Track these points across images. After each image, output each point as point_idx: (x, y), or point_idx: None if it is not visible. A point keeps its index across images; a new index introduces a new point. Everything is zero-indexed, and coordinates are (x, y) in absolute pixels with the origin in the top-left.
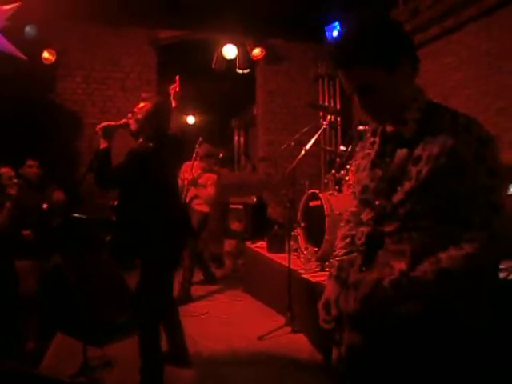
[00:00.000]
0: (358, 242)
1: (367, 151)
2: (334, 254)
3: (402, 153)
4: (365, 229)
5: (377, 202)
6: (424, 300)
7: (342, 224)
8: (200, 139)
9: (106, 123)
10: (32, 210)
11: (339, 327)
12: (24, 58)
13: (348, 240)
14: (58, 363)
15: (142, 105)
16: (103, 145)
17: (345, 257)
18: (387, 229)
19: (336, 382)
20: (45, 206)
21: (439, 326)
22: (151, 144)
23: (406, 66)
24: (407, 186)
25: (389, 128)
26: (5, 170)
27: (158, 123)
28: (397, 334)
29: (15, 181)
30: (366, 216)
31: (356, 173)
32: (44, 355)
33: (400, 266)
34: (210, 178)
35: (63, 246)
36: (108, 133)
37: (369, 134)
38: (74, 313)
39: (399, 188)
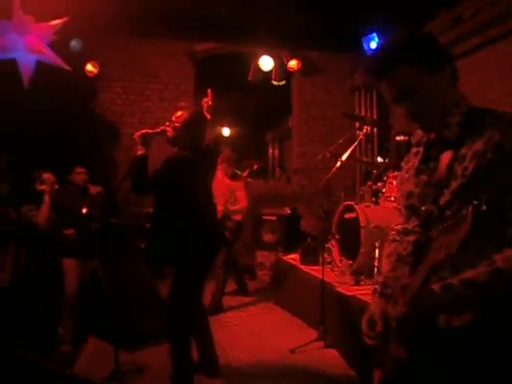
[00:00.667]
0: (405, 253)
1: (411, 163)
2: (378, 270)
3: (446, 155)
4: (411, 237)
5: (423, 208)
6: (476, 305)
7: (386, 243)
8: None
9: (143, 130)
10: (79, 213)
11: (384, 346)
12: (70, 69)
13: (393, 258)
14: (90, 367)
15: (179, 113)
16: (140, 151)
17: (390, 273)
18: (435, 234)
19: None
20: (84, 210)
21: (492, 339)
22: (186, 152)
23: (448, 71)
24: (453, 185)
25: (432, 135)
26: (47, 175)
27: (194, 133)
28: (445, 346)
29: (56, 186)
30: (411, 224)
31: (400, 186)
32: (77, 358)
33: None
34: (237, 189)
35: (100, 251)
36: (145, 140)
37: (413, 146)
38: (107, 317)
39: (445, 190)
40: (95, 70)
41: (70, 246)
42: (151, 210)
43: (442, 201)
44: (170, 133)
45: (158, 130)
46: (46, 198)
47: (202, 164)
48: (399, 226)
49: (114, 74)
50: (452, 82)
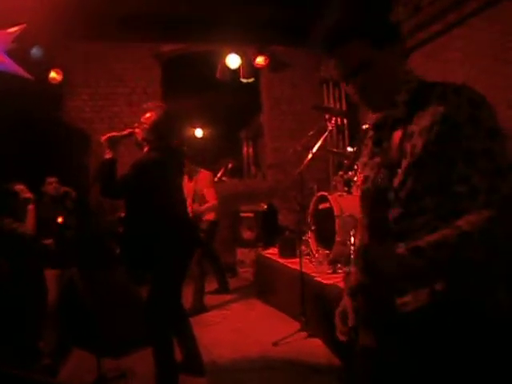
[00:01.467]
0: (366, 237)
1: (368, 147)
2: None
3: (397, 134)
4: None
5: None
6: (448, 271)
7: (358, 230)
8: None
9: (110, 134)
10: (54, 222)
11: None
12: (31, 78)
13: None
14: (73, 376)
15: (148, 115)
16: (108, 155)
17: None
18: (391, 215)
19: None
20: (60, 219)
21: (448, 320)
22: (155, 154)
23: (395, 45)
24: (404, 163)
25: (381, 115)
26: (19, 187)
27: (163, 133)
28: (409, 328)
29: (29, 195)
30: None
31: (361, 172)
32: (59, 371)
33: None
34: (204, 187)
35: (76, 260)
36: (112, 143)
37: (369, 130)
38: (87, 325)
39: (399, 171)
40: (59, 77)
41: (49, 256)
42: (123, 215)
43: (396, 182)
44: (139, 135)
45: (125, 132)
46: (31, 206)
47: (171, 165)
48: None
49: (78, 80)
50: (401, 55)
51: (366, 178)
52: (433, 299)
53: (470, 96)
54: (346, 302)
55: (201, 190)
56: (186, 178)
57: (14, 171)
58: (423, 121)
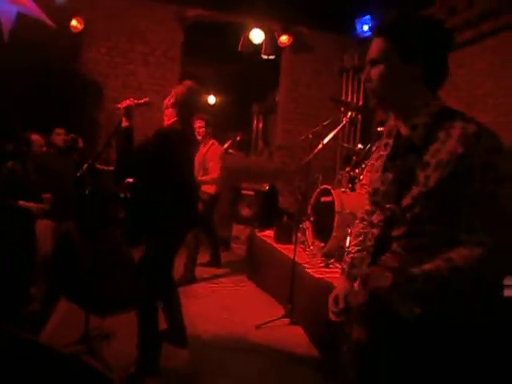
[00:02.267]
0: (369, 243)
1: (381, 152)
2: (348, 250)
3: (411, 157)
4: (375, 231)
5: (387, 206)
6: (433, 299)
7: (356, 221)
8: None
9: (127, 102)
10: (60, 174)
11: (348, 323)
12: (53, 25)
13: (361, 238)
14: (59, 330)
15: (178, 89)
16: (125, 123)
17: (357, 254)
18: (395, 233)
19: (334, 378)
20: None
21: (436, 333)
22: (180, 127)
23: (419, 70)
24: (415, 191)
25: (403, 131)
26: (35, 137)
27: (185, 109)
28: (399, 332)
29: (44, 149)
30: (376, 218)
31: (371, 173)
32: (48, 319)
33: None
34: (211, 159)
35: (76, 215)
36: (129, 111)
37: (384, 135)
38: (79, 280)
39: (407, 192)
40: (80, 27)
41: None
42: (130, 180)
43: (404, 203)
44: (165, 106)
45: (142, 101)
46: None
47: (191, 140)
48: (367, 207)
49: (99, 32)
50: (424, 80)
51: (375, 191)
52: (422, 312)
53: (487, 142)
54: (340, 289)
55: (207, 162)
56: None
57: (24, 119)
58: (440, 155)
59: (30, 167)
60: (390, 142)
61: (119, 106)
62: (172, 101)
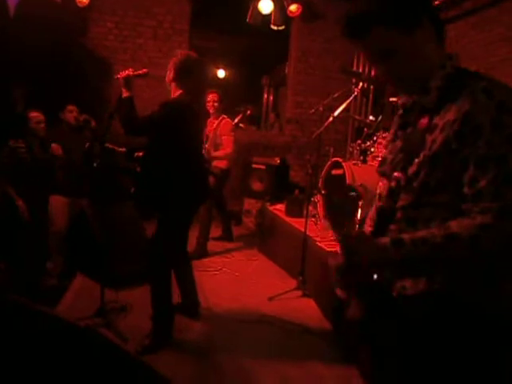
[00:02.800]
0: (374, 217)
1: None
2: (359, 222)
3: (423, 123)
4: (380, 203)
5: (395, 174)
6: (425, 268)
7: (373, 203)
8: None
9: (125, 73)
10: (69, 150)
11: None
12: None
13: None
14: (75, 304)
15: (178, 57)
16: (125, 94)
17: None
18: (400, 203)
19: (345, 350)
20: (87, 144)
21: (444, 310)
22: (187, 98)
23: (427, 28)
24: (421, 156)
25: (412, 99)
26: (34, 114)
27: (191, 76)
28: (399, 315)
29: (42, 126)
30: (382, 188)
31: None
32: (63, 293)
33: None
34: (223, 133)
35: (89, 191)
36: (128, 82)
37: (399, 108)
38: (94, 255)
39: (416, 160)
40: (86, 1)
41: (60, 184)
42: (140, 154)
43: (410, 171)
44: (168, 77)
45: (141, 72)
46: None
47: (199, 112)
48: (378, 190)
49: (105, 6)
50: (434, 38)
51: (384, 160)
52: (430, 288)
53: (501, 99)
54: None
55: (219, 136)
56: (213, 118)
57: (32, 96)
58: (448, 115)
59: (33, 144)
60: (401, 111)
61: (118, 76)
62: (172, 74)
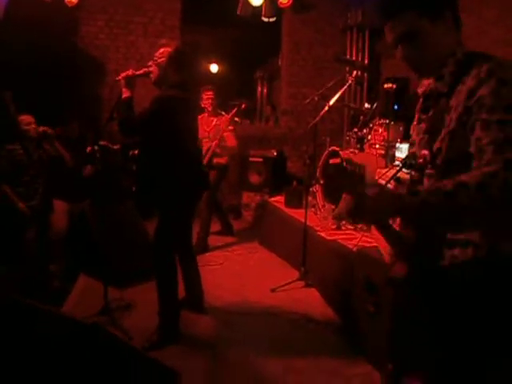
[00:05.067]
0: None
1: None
2: None
3: (441, 105)
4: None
5: (422, 152)
6: (443, 216)
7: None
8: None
9: (126, 73)
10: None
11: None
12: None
13: None
14: (79, 303)
15: (162, 50)
16: (125, 94)
17: None
18: (427, 179)
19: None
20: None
21: (494, 276)
22: (174, 91)
23: (449, 19)
24: (442, 133)
25: (430, 87)
26: (24, 117)
27: (179, 69)
28: (450, 283)
29: (33, 126)
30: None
31: (412, 133)
32: (67, 295)
33: None
34: (223, 129)
35: (91, 193)
36: (129, 82)
37: (420, 96)
38: (96, 254)
39: (438, 137)
40: (75, 0)
41: (61, 188)
42: (135, 152)
43: (434, 147)
44: (154, 73)
45: (141, 71)
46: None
47: (189, 104)
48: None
49: (95, 4)
50: (454, 29)
51: (413, 143)
52: (478, 255)
53: (500, 76)
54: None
55: (221, 132)
56: (206, 114)
57: (23, 99)
58: (460, 95)
59: (29, 147)
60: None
61: (119, 77)
62: (161, 62)
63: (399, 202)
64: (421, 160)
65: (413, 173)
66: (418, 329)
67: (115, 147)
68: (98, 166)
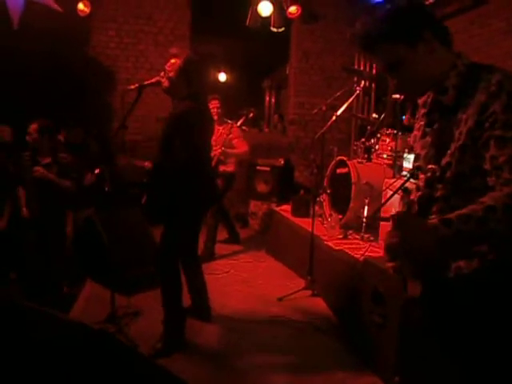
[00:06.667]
0: (415, 208)
1: (420, 122)
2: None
3: (447, 119)
4: (419, 193)
5: (429, 166)
6: (475, 243)
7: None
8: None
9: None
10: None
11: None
12: (60, 10)
13: None
14: (86, 310)
15: (173, 61)
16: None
17: None
18: (438, 194)
19: (355, 348)
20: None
21: (500, 283)
22: (190, 103)
23: (429, 40)
24: (452, 148)
25: (430, 98)
26: (33, 126)
27: (190, 80)
28: (457, 295)
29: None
30: (420, 182)
31: (413, 144)
32: (75, 301)
33: None
34: (233, 137)
35: (98, 201)
36: (143, 91)
37: (420, 107)
38: (103, 261)
39: (448, 152)
40: (87, 10)
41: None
42: (148, 165)
43: (443, 162)
44: (165, 83)
45: (153, 80)
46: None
47: (205, 116)
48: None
49: (106, 14)
50: (440, 46)
51: (417, 156)
52: (483, 265)
53: (510, 90)
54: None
55: (230, 141)
56: (216, 124)
57: (35, 107)
58: (470, 109)
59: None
60: (425, 110)
61: (131, 86)
62: (172, 74)
63: (435, 234)
64: (429, 174)
65: (420, 185)
66: (427, 342)
67: (147, 164)
68: (106, 187)
